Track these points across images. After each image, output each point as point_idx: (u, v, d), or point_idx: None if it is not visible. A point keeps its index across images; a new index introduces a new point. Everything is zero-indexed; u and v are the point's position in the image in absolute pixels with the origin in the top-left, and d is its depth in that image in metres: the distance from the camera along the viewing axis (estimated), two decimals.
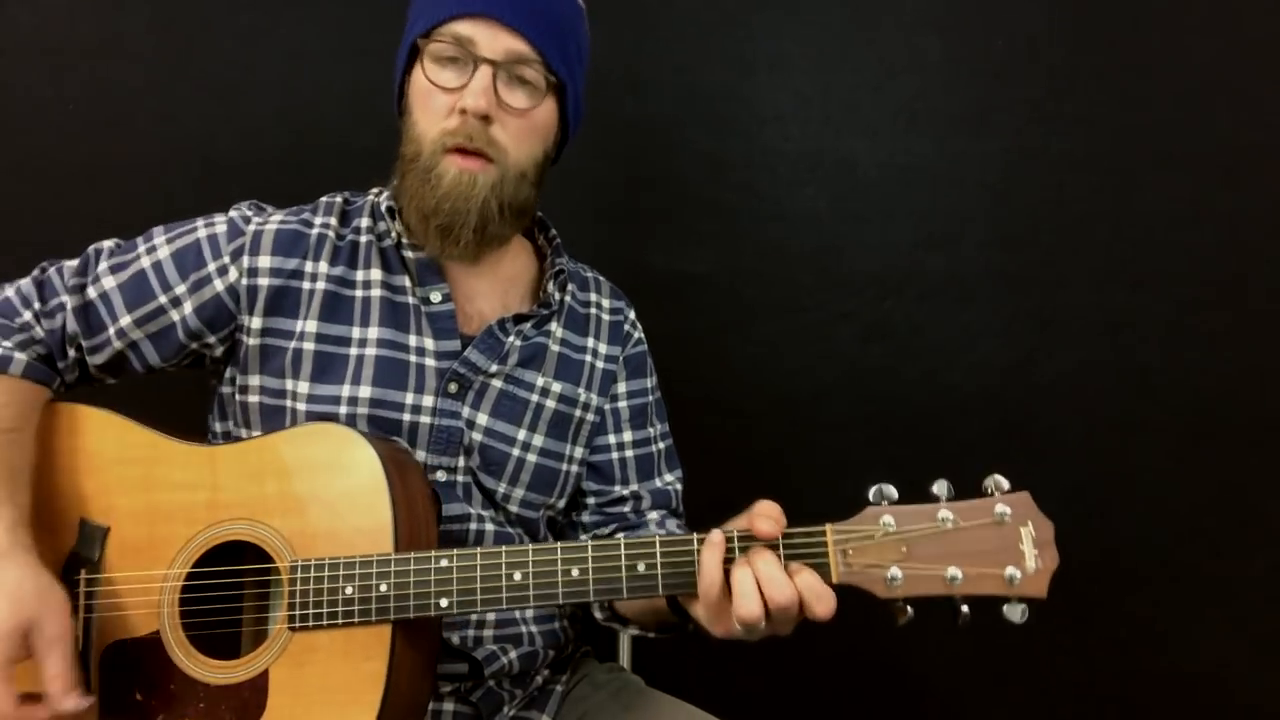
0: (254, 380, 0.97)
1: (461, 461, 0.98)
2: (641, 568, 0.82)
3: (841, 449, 1.47)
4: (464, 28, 0.93)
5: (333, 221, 1.02)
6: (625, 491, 1.08)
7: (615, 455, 1.09)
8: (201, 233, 1.00)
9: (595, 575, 0.83)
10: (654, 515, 1.07)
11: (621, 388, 1.09)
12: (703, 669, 1.50)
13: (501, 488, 0.99)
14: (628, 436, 1.09)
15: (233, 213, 1.01)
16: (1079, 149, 1.40)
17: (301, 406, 0.96)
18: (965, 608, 0.77)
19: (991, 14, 1.39)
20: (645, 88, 1.44)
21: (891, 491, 0.80)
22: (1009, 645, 1.49)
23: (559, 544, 0.84)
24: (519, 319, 1.03)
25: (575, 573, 0.83)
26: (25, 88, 1.42)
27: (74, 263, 1.00)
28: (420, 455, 0.97)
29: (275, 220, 1.01)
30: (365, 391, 0.96)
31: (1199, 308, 1.41)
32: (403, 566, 0.85)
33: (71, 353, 0.98)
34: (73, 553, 0.90)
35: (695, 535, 0.82)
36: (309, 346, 0.96)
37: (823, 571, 0.79)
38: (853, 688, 1.52)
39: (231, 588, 0.90)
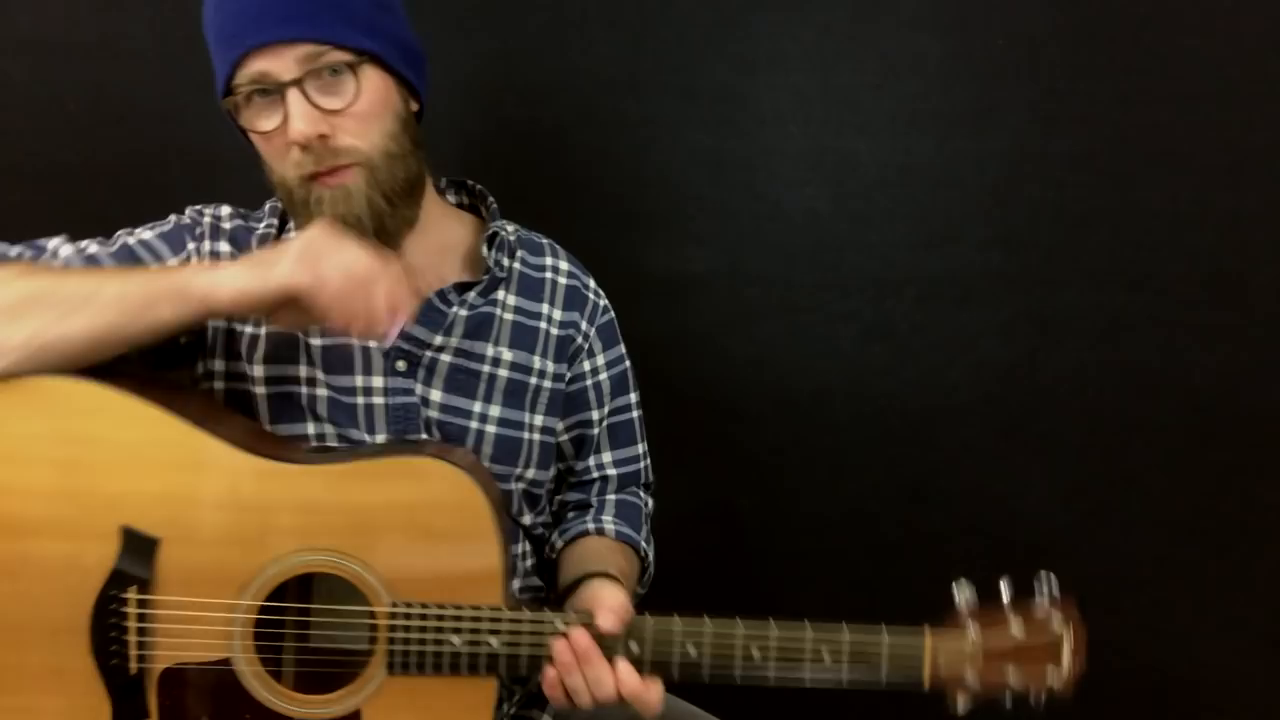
0: (218, 365, 0.99)
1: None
2: (756, 654, 0.84)
3: (841, 449, 1.47)
4: (251, 67, 0.89)
5: (275, 222, 1.04)
6: (596, 473, 1.10)
7: (596, 430, 1.10)
8: (173, 221, 1.02)
9: (711, 657, 0.84)
10: (611, 499, 1.10)
11: (600, 360, 1.10)
12: None
13: None
14: (608, 409, 1.10)
15: (188, 210, 1.03)
16: (1079, 149, 1.40)
17: (260, 390, 0.96)
18: (1010, 695, 0.89)
19: (991, 14, 1.39)
20: (645, 88, 1.44)
21: (970, 594, 0.89)
22: None
23: (677, 618, 0.83)
24: (461, 288, 1.01)
25: (692, 652, 0.83)
26: (25, 88, 1.42)
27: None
28: (381, 438, 0.97)
29: (225, 214, 1.03)
30: (320, 374, 0.96)
31: (1199, 308, 1.40)
32: (516, 626, 0.83)
33: None
34: (117, 569, 0.83)
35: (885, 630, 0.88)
36: (263, 330, 0.98)
37: (915, 671, 0.86)
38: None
39: (306, 622, 0.87)
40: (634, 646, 0.82)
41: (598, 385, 1.09)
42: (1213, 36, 1.37)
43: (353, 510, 0.85)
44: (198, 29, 1.44)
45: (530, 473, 1.04)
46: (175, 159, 1.44)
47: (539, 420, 1.04)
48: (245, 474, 0.85)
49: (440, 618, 0.83)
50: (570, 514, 1.11)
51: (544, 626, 0.83)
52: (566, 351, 1.07)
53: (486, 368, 1.01)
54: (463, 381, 1.00)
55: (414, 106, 1.00)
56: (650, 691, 0.82)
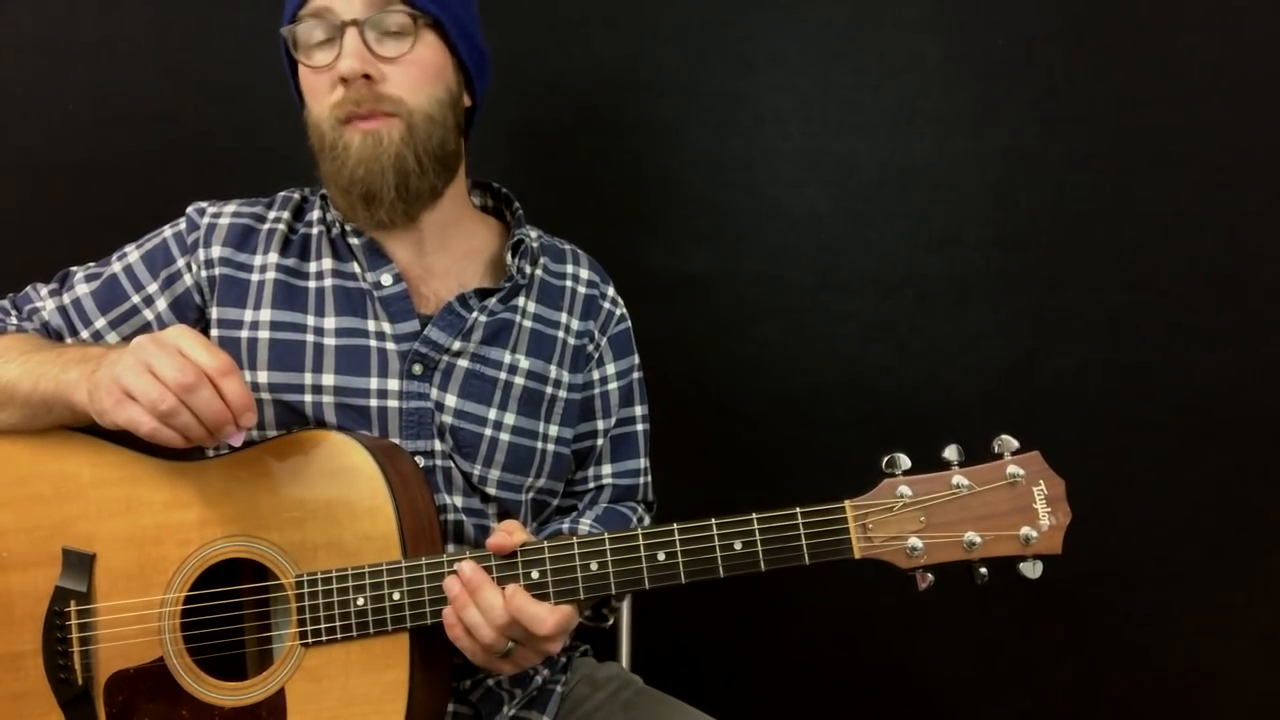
0: None
1: (437, 445, 0.96)
2: (662, 556, 0.81)
3: (841, 449, 1.47)
4: (318, 1, 0.93)
5: (286, 215, 1.03)
6: (593, 483, 1.08)
7: (600, 442, 1.08)
8: (168, 232, 1.02)
9: (615, 568, 0.82)
10: (600, 508, 1.07)
11: (610, 369, 1.09)
12: (701, 668, 1.50)
13: (477, 469, 0.98)
14: (614, 419, 1.09)
15: (189, 209, 1.03)
16: (1079, 149, 1.40)
17: (265, 396, 0.94)
18: (984, 569, 0.78)
19: (991, 14, 1.39)
20: (645, 88, 1.44)
21: (904, 460, 0.81)
22: (1009, 645, 1.49)
23: (575, 539, 0.83)
24: (482, 294, 1.01)
25: (594, 566, 0.82)
26: (25, 88, 1.42)
27: (49, 282, 1.03)
28: (394, 443, 0.95)
29: (229, 212, 1.02)
30: (329, 379, 0.95)
31: (1199, 308, 1.41)
32: (415, 573, 0.84)
33: None
34: (58, 586, 0.87)
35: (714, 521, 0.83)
36: (264, 335, 0.96)
37: (844, 548, 0.80)
38: (852, 688, 1.52)
39: (233, 607, 0.88)
40: (535, 574, 0.82)
41: (605, 395, 1.08)
42: (1213, 36, 1.37)
43: (251, 492, 0.88)
44: (198, 29, 1.45)
45: (542, 482, 1.03)
46: (175, 159, 1.44)
47: (553, 430, 1.03)
48: (161, 478, 0.89)
49: (343, 579, 0.84)
50: (553, 517, 1.08)
51: (440, 569, 0.84)
52: (580, 361, 1.06)
53: (503, 375, 1.00)
54: (478, 388, 0.99)
55: (466, 101, 1.02)
56: (548, 611, 0.80)
